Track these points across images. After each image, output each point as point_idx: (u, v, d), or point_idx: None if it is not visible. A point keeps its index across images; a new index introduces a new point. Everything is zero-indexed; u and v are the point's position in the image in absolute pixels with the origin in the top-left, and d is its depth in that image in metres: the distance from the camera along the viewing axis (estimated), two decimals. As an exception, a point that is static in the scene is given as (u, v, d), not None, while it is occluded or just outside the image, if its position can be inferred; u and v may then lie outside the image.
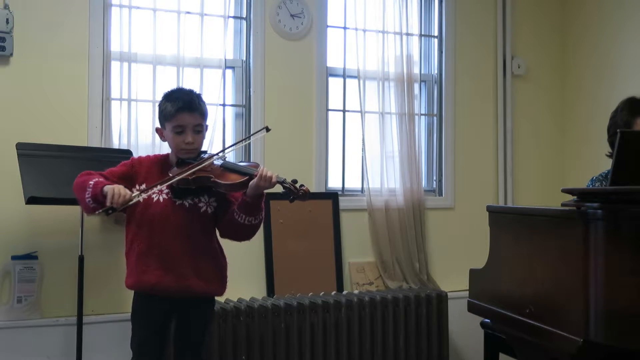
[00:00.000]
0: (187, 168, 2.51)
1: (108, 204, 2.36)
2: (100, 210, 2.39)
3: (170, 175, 2.54)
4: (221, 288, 2.69)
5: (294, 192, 2.49)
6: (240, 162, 2.74)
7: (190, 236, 2.57)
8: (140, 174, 2.62)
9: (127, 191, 2.42)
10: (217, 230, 2.70)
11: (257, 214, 2.57)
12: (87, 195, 2.44)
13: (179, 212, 2.56)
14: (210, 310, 2.74)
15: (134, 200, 2.44)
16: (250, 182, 2.49)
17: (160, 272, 2.53)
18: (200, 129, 2.62)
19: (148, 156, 2.75)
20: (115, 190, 2.38)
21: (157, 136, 3.32)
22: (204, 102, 2.66)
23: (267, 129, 2.72)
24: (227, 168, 2.60)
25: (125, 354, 2.71)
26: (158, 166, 2.65)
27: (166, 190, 2.56)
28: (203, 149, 2.70)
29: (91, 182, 2.45)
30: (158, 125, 2.69)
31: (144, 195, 2.51)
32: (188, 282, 2.55)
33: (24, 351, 3.12)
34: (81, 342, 3.05)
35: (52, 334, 3.18)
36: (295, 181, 2.51)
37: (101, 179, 2.49)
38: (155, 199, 2.56)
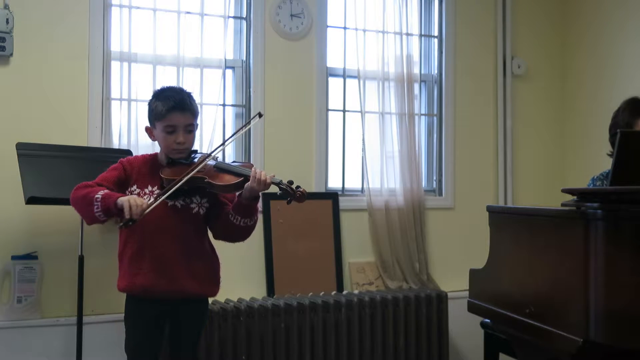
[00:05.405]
0: (182, 175, 2.45)
1: (127, 216, 2.32)
2: (121, 224, 2.36)
3: (162, 175, 2.52)
4: (214, 288, 2.68)
5: (290, 194, 2.46)
6: (234, 162, 2.72)
7: (182, 237, 2.56)
8: (132, 176, 2.60)
9: (142, 200, 2.40)
10: (209, 231, 2.69)
11: (252, 216, 2.56)
12: (96, 210, 2.40)
13: (170, 213, 2.54)
14: (204, 311, 2.72)
15: (151, 208, 2.38)
16: (245, 185, 2.48)
17: (153, 274, 2.52)
18: (191, 129, 2.59)
19: (136, 157, 2.73)
20: (132, 202, 2.34)
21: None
22: (194, 101, 2.63)
23: (260, 115, 2.68)
24: (220, 169, 2.57)
25: (125, 354, 2.70)
26: (148, 166, 2.63)
27: (157, 192, 2.53)
28: (199, 148, 2.68)
29: (98, 196, 2.40)
30: (147, 124, 2.66)
31: (159, 202, 2.43)
32: (181, 284, 2.54)
33: (24, 351, 3.12)
34: (81, 342, 3.05)
35: (52, 334, 3.18)
36: (291, 182, 2.48)
37: (106, 190, 2.44)
38: (147, 200, 2.51)
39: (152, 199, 2.45)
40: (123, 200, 2.35)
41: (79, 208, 2.49)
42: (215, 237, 2.69)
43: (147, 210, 2.37)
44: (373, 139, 3.97)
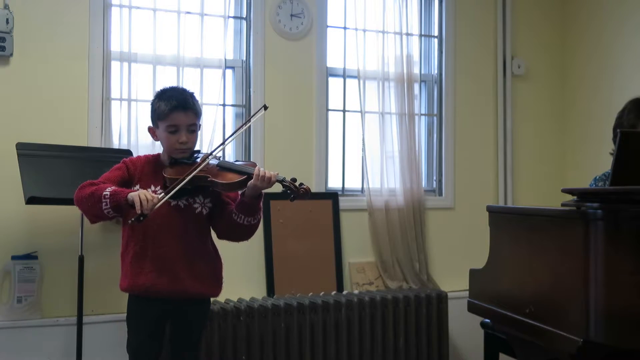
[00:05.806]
0: (185, 174, 2.45)
1: (139, 211, 2.30)
2: (132, 220, 2.34)
3: (164, 175, 2.52)
4: (216, 289, 2.67)
5: (294, 191, 2.46)
6: (237, 161, 2.71)
7: (185, 237, 2.55)
8: (135, 176, 2.60)
9: (153, 194, 2.38)
10: (212, 231, 2.69)
11: (255, 214, 2.57)
12: (104, 206, 2.40)
13: (173, 213, 2.54)
14: (206, 311, 2.72)
15: (161, 202, 2.37)
16: (249, 183, 2.48)
17: (155, 274, 2.52)
18: (194, 129, 2.59)
19: (139, 157, 2.72)
20: (142, 196, 2.32)
21: (156, 136, 3.34)
22: (197, 101, 2.64)
23: (265, 107, 2.67)
24: (223, 167, 2.57)
25: (125, 354, 2.70)
26: (150, 166, 2.63)
27: (160, 191, 2.52)
28: (200, 148, 2.68)
29: (106, 193, 2.40)
30: (148, 124, 2.66)
31: (168, 197, 2.42)
32: (183, 284, 2.53)
33: (24, 351, 3.12)
34: (81, 342, 3.05)
35: (52, 334, 3.18)
36: (294, 180, 2.49)
37: (114, 187, 2.44)
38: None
39: (159, 196, 2.44)
40: (133, 195, 2.35)
41: (84, 206, 2.49)
42: (219, 237, 2.69)
43: (158, 205, 2.36)
44: (373, 139, 3.97)
